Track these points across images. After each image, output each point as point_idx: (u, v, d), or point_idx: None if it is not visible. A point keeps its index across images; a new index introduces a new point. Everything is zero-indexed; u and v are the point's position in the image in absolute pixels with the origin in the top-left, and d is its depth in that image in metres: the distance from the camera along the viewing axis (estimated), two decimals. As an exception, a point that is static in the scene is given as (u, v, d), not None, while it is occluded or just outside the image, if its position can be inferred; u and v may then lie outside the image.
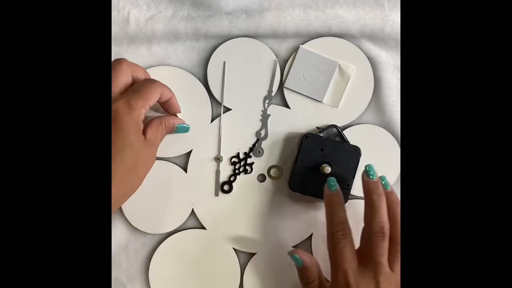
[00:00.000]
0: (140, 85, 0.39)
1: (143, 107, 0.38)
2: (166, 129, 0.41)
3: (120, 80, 0.38)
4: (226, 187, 0.45)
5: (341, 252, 0.37)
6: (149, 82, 0.39)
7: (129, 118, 0.37)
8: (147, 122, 0.40)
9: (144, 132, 0.39)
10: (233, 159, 0.45)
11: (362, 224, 0.44)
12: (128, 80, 0.39)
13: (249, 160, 0.45)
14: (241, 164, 0.45)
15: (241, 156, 0.45)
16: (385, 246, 0.37)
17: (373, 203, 0.38)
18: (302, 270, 0.40)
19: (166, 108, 0.43)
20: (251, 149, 0.45)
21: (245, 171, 0.45)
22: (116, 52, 0.44)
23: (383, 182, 0.40)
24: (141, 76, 0.41)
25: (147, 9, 0.44)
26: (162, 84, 0.40)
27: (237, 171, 0.45)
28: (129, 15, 0.44)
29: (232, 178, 0.45)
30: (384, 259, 0.37)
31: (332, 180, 0.40)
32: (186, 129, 0.43)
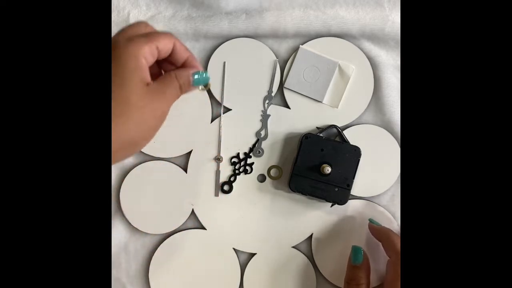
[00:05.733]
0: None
1: (146, 44, 0.32)
2: (178, 80, 0.34)
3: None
4: (226, 187, 0.45)
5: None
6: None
7: (125, 48, 0.31)
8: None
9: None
10: (233, 159, 0.45)
11: (362, 224, 0.44)
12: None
13: (249, 160, 0.45)
14: (241, 164, 0.45)
15: (241, 156, 0.45)
16: None
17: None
18: (357, 269, 0.40)
19: (174, 59, 0.36)
20: (251, 149, 0.45)
21: (245, 171, 0.45)
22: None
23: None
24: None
25: (147, 9, 0.44)
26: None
27: (237, 171, 0.45)
28: (129, 16, 0.44)
29: (232, 178, 0.45)
30: None
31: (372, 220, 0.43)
32: (205, 79, 0.36)
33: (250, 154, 0.45)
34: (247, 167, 0.45)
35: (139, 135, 0.33)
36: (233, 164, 0.45)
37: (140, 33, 0.33)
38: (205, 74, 0.36)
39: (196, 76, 0.35)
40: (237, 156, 0.45)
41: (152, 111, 0.33)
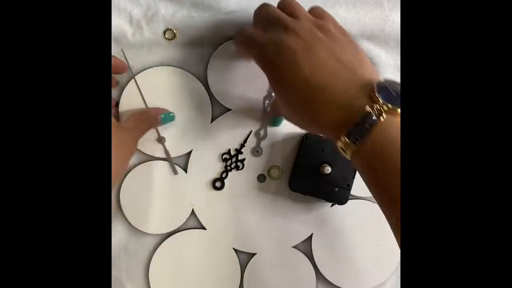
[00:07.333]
0: None
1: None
2: (146, 119, 0.43)
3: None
4: (218, 184, 0.45)
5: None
6: None
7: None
8: None
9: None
10: (224, 156, 0.45)
11: (362, 224, 0.44)
12: None
13: (240, 157, 0.45)
14: (232, 160, 0.45)
15: (232, 152, 0.45)
16: None
17: None
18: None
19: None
20: (242, 145, 0.45)
21: (237, 167, 0.45)
22: (116, 52, 0.44)
23: None
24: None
25: (147, 9, 0.44)
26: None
27: (228, 168, 0.45)
28: (130, 15, 0.44)
29: (224, 175, 0.45)
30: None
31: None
32: (171, 118, 0.44)
33: (242, 151, 0.45)
34: (239, 163, 0.45)
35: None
36: (225, 160, 0.45)
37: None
38: (171, 116, 0.43)
39: (163, 117, 0.43)
40: (228, 152, 0.45)
41: (122, 141, 0.40)
